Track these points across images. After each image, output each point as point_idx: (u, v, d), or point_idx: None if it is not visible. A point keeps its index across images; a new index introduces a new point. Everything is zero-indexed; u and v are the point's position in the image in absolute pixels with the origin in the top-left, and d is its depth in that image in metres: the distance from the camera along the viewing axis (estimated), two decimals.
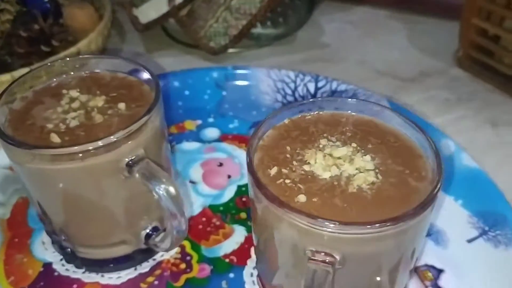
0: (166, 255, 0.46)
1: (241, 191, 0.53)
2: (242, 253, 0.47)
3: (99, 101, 0.41)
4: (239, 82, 0.65)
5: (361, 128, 0.38)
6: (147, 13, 0.67)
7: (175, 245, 0.40)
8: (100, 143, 0.35)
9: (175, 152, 0.57)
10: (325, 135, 0.37)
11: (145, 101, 0.41)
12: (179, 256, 0.46)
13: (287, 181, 0.33)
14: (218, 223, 0.49)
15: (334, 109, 0.39)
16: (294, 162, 0.35)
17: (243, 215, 0.50)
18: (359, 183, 0.33)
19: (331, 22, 0.81)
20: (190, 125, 0.61)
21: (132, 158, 0.37)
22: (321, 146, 0.36)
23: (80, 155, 0.35)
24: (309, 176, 0.34)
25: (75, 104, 0.41)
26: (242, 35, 0.67)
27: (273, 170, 0.34)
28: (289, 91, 0.64)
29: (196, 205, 0.51)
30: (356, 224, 0.29)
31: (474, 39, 0.66)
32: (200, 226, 0.49)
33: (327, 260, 0.30)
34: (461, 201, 0.49)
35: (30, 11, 0.63)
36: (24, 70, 0.59)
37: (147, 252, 0.45)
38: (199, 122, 0.61)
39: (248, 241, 0.48)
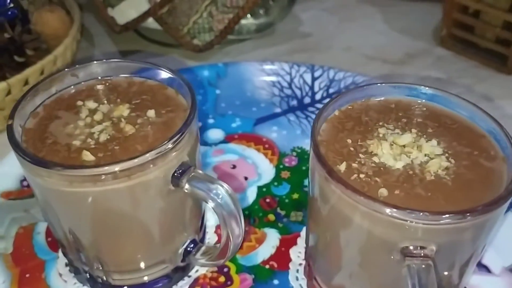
0: (201, 270, 0.43)
1: (262, 192, 0.50)
2: (281, 257, 0.44)
3: (123, 110, 0.37)
4: (232, 79, 0.62)
5: (414, 113, 0.36)
6: (126, 13, 0.62)
7: (233, 254, 0.37)
8: (148, 155, 0.31)
9: None
10: (380, 123, 0.35)
11: (174, 105, 0.38)
12: (215, 269, 0.43)
13: (362, 175, 0.31)
14: (247, 228, 0.46)
15: (379, 96, 0.38)
16: (361, 155, 0.33)
17: (271, 217, 0.48)
18: (435, 170, 0.32)
19: (306, 11, 0.79)
20: None
21: (179, 168, 0.34)
22: (381, 135, 0.34)
23: (127, 172, 0.31)
24: (382, 168, 0.32)
25: (98, 116, 0.36)
26: (229, 29, 0.63)
27: (343, 166, 0.32)
28: (285, 84, 0.62)
29: None
30: (462, 212, 0.28)
31: (456, 17, 0.67)
32: None
33: (424, 254, 0.29)
34: None
35: None
36: (1, 84, 0.53)
37: (183, 270, 0.42)
38: (199, 124, 0.58)
39: (284, 243, 0.45)
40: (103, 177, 0.31)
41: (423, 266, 0.28)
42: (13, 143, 0.32)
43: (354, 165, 0.32)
